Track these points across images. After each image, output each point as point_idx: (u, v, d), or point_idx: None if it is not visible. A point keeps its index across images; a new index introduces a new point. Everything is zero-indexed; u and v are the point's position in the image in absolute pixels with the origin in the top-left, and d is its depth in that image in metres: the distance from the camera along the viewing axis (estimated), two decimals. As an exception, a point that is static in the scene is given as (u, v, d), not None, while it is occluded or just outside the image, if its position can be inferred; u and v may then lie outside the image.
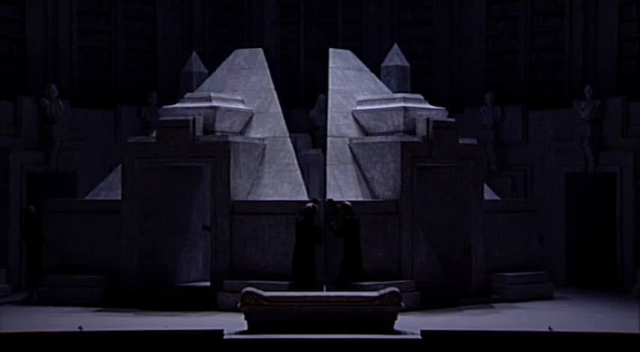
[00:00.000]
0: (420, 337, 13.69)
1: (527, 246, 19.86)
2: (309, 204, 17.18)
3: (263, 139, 18.93)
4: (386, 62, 22.02)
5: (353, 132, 19.20)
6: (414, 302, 16.95)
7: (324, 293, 15.45)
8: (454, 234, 19.01)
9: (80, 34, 23.61)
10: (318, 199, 18.08)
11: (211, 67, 23.42)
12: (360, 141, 18.87)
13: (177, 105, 19.04)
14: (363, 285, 16.67)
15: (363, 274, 17.04)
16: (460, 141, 18.80)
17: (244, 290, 14.67)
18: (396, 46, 22.43)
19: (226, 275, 17.80)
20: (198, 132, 18.23)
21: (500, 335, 14.08)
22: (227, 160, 17.98)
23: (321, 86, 24.99)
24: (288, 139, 19.08)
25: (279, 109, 19.32)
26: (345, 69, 20.15)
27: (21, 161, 21.52)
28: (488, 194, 19.87)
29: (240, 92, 19.52)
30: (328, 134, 19.02)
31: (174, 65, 24.07)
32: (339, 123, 19.17)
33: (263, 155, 18.86)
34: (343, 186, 18.36)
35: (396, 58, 21.93)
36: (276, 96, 19.64)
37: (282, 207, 17.92)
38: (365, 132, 19.26)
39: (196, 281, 19.76)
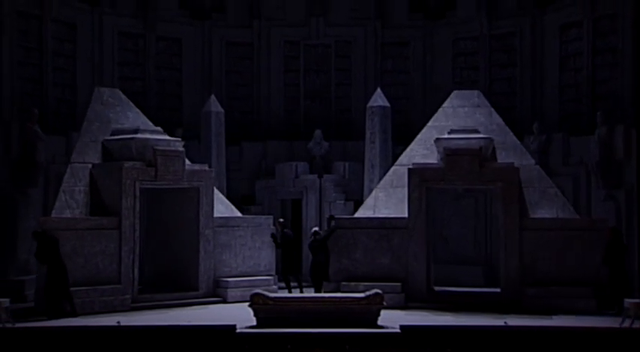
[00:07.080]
0: (399, 331, 13.56)
1: (585, 262, 17.03)
2: (315, 228, 17.91)
3: None
4: (371, 103, 22.02)
5: (430, 161, 18.19)
6: (397, 302, 16.71)
7: (320, 295, 15.30)
8: (493, 249, 18.14)
9: (120, 81, 23.60)
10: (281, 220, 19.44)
11: (227, 108, 23.38)
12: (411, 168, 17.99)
13: (140, 136, 17.50)
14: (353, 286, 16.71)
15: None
16: (489, 164, 17.38)
17: (253, 291, 14.69)
18: (379, 89, 22.43)
19: (211, 276, 18.09)
20: None
21: (467, 330, 13.91)
22: (212, 185, 18.32)
23: (317, 122, 24.94)
24: None
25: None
26: (460, 107, 19.05)
27: (71, 185, 21.32)
28: (568, 213, 17.97)
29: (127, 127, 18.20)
30: (397, 163, 18.72)
31: (196, 106, 23.95)
32: (415, 154, 18.48)
33: None
34: (380, 206, 18.10)
35: (379, 99, 21.90)
36: (165, 133, 18.57)
37: (247, 222, 19.07)
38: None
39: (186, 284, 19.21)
